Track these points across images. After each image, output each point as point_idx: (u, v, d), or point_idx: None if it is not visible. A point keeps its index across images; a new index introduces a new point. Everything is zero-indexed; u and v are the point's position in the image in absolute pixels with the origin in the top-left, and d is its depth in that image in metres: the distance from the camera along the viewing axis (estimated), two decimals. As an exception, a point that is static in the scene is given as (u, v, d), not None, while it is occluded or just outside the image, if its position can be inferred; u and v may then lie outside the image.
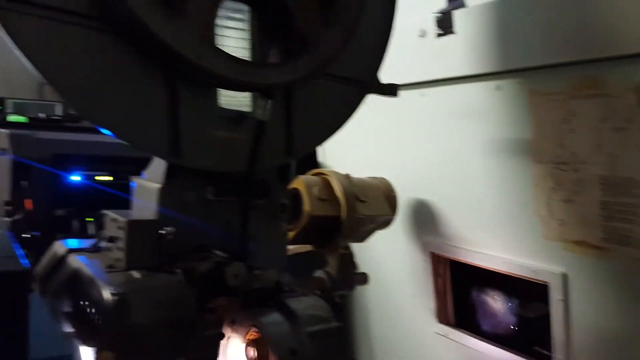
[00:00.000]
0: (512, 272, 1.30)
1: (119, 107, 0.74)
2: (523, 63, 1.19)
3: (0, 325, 0.58)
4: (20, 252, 0.63)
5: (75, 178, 1.45)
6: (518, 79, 1.22)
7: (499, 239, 1.33)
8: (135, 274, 0.77)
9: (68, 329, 0.79)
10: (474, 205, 1.38)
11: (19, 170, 1.37)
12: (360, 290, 1.60)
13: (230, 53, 0.82)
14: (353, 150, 1.67)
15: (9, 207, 1.32)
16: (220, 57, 0.78)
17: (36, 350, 0.59)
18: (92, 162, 1.49)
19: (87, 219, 1.43)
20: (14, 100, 1.52)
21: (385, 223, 1.38)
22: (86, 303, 0.78)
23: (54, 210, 1.42)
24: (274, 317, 0.90)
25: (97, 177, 1.49)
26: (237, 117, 0.88)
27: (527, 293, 1.38)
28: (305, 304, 0.95)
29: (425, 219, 1.52)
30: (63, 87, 0.69)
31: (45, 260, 0.93)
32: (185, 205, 0.88)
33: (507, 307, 1.43)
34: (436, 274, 1.52)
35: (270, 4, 0.87)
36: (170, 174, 0.87)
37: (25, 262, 0.58)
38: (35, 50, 0.66)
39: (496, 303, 1.46)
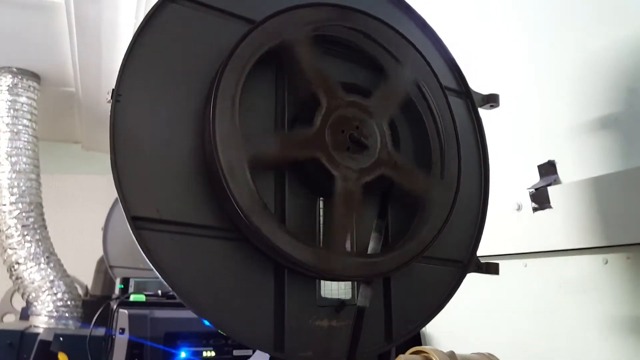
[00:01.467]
0: None
1: (232, 308, 0.81)
2: (629, 239, 1.14)
3: None
4: None
5: (182, 355, 1.52)
6: (626, 254, 1.17)
7: None
8: None
9: None
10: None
11: (134, 348, 1.47)
12: None
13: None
14: (456, 323, 1.60)
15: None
16: (324, 255, 0.85)
17: None
18: (198, 338, 1.56)
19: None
20: (136, 280, 1.70)
21: (495, 406, 1.25)
22: None
23: (160, 388, 1.47)
24: None
25: (201, 353, 1.55)
26: (338, 305, 0.91)
27: None
28: None
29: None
30: (183, 291, 0.78)
31: None
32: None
33: None
34: None
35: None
36: (272, 372, 0.89)
37: None
38: (163, 262, 0.76)
39: None
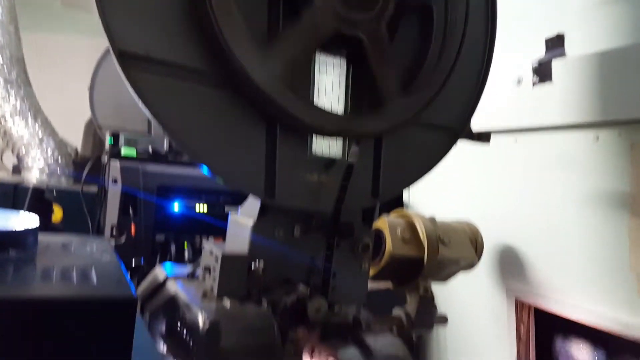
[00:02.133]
0: (602, 325, 1.22)
1: (225, 153, 0.82)
2: (624, 115, 1.14)
3: (105, 349, 0.64)
4: (129, 279, 0.70)
5: (175, 207, 1.58)
6: (618, 131, 1.18)
7: (591, 291, 1.26)
8: (227, 303, 0.83)
9: (164, 348, 0.86)
10: (564, 255, 1.32)
11: (127, 199, 1.52)
12: (438, 331, 1.57)
13: (327, 99, 0.88)
14: (440, 192, 1.67)
15: (116, 232, 1.47)
16: (316, 110, 0.84)
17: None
18: (190, 193, 1.62)
19: (184, 244, 1.55)
20: (126, 135, 1.70)
21: (468, 266, 1.35)
22: (181, 326, 0.84)
23: (154, 235, 1.55)
24: (352, 352, 0.92)
25: (194, 206, 1.61)
26: (328, 162, 0.93)
27: (616, 348, 1.29)
28: (382, 343, 0.97)
29: (510, 265, 1.47)
30: (176, 134, 0.77)
31: (146, 283, 1.02)
32: (274, 240, 0.94)
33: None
34: (519, 321, 1.46)
35: (359, 60, 0.91)
36: (263, 212, 0.93)
37: (134, 290, 0.65)
38: (153, 102, 0.74)
39: (581, 355, 1.37)
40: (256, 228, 0.92)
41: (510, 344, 1.48)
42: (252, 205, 0.96)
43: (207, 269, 0.90)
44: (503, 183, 1.51)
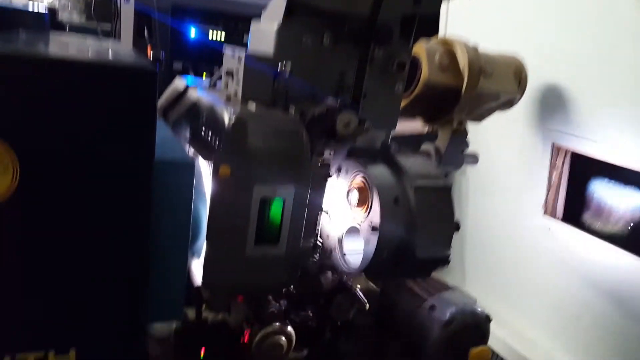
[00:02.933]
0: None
1: None
2: None
3: (129, 124, 0.60)
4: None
5: (192, 33, 1.48)
6: None
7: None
8: (252, 106, 0.77)
9: (190, 150, 0.83)
10: (618, 95, 1.20)
11: (141, 19, 1.41)
12: (463, 171, 1.54)
13: None
14: (484, 23, 1.50)
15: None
16: None
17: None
18: (207, 17, 1.50)
19: (203, 74, 1.47)
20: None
21: (508, 103, 1.26)
22: (206, 129, 0.80)
23: (172, 62, 1.48)
24: (381, 168, 0.88)
25: (211, 32, 1.50)
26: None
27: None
28: (413, 162, 0.92)
29: (553, 105, 1.37)
30: None
31: (166, 93, 0.97)
32: (301, 48, 0.85)
33: (628, 205, 1.30)
34: (553, 166, 1.41)
35: None
36: (289, 13, 0.83)
37: (157, 67, 0.59)
38: None
39: (616, 201, 1.33)
40: (281, 31, 0.83)
41: (540, 190, 1.44)
42: (276, 7, 0.85)
43: (230, 74, 0.83)
44: (558, 14, 1.34)
